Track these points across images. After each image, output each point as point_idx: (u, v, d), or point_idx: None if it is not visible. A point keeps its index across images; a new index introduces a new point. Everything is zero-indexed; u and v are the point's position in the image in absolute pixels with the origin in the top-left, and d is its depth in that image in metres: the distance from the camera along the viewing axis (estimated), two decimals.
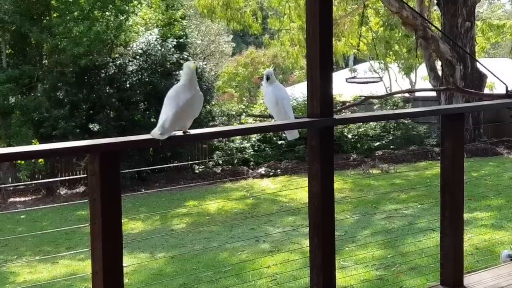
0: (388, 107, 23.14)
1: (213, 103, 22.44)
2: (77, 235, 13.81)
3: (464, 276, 4.91)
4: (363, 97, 16.50)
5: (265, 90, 4.51)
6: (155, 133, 3.51)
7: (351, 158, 20.83)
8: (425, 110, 5.90)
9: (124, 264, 10.26)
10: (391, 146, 21.64)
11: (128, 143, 3.42)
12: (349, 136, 22.04)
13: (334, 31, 26.09)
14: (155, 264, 10.59)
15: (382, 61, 29.93)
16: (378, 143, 21.73)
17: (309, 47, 3.99)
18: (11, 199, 19.61)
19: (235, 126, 3.91)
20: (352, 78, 15.25)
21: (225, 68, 36.59)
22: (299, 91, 23.67)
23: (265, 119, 18.32)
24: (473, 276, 5.19)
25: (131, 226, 14.20)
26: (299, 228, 11.74)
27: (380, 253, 9.69)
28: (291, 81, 38.33)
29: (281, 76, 39.47)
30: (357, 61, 35.33)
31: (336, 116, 4.00)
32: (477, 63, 20.39)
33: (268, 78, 4.46)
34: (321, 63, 3.92)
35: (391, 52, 29.94)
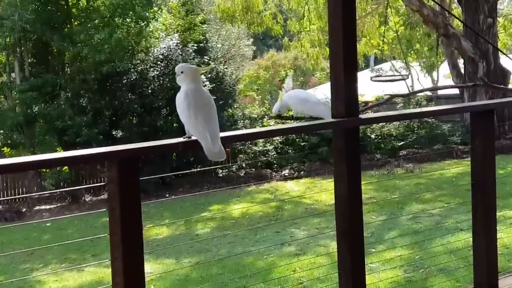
0: (411, 106, 22.92)
1: (235, 106, 22.37)
2: (102, 241, 13.71)
3: (499, 278, 4.75)
4: (387, 96, 16.24)
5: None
6: (211, 152, 3.33)
7: (375, 158, 20.66)
8: (453, 108, 5.72)
9: (149, 270, 10.15)
10: (415, 145, 21.43)
11: (147, 149, 3.29)
12: (372, 136, 21.86)
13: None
14: (180, 270, 10.49)
15: (404, 60, 29.72)
16: (402, 143, 21.55)
17: (332, 47, 3.88)
18: (37, 207, 19.67)
19: (260, 129, 3.77)
20: (377, 76, 14.98)
21: (246, 71, 36.53)
22: (321, 93, 23.54)
23: (287, 121, 18.06)
24: (509, 278, 5.03)
25: (156, 231, 14.15)
26: (324, 230, 11.61)
27: (408, 255, 9.53)
28: (312, 83, 38.21)
29: (302, 78, 39.43)
30: (378, 61, 35.12)
31: (362, 116, 3.88)
32: (501, 58, 20.17)
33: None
34: (345, 63, 3.80)
35: (412, 51, 29.72)
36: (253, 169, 20.14)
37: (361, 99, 23.33)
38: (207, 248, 11.81)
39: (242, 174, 19.91)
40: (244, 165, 20.40)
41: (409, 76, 14.50)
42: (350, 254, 3.84)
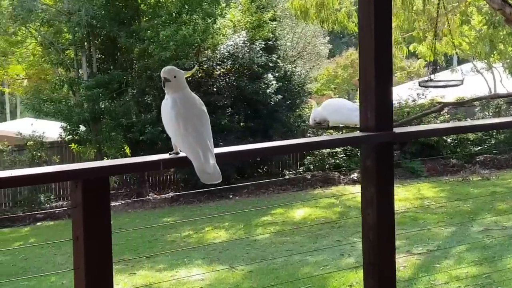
0: (490, 110, 21.84)
1: (303, 107, 21.70)
2: (159, 243, 13.47)
3: None
4: (440, 105, 15.17)
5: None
6: (204, 172, 2.77)
7: (450, 163, 19.76)
8: (509, 121, 4.99)
9: (200, 277, 9.64)
10: (494, 151, 20.37)
11: (118, 167, 2.72)
12: (449, 140, 20.89)
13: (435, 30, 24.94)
14: (232, 278, 10.01)
15: (485, 60, 28.53)
16: (479, 148, 20.52)
17: (362, 42, 3.22)
18: None
19: (268, 144, 3.14)
20: (426, 81, 13.86)
21: (324, 70, 36.03)
22: (394, 94, 22.72)
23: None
24: None
25: (213, 235, 13.74)
26: None
27: (475, 271, 8.83)
28: (393, 83, 37.39)
29: None
30: (460, 61, 34.11)
31: (396, 130, 3.23)
32: None
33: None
34: (377, 64, 3.15)
35: (495, 52, 28.48)
36: (321, 172, 19.48)
37: (440, 100, 22.39)
38: (263, 255, 11.32)
39: (309, 177, 19.28)
40: (312, 167, 19.79)
41: (463, 82, 13.26)
42: None
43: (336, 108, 4.12)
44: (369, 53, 3.17)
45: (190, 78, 19.58)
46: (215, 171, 2.75)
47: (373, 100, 3.16)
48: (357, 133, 3.27)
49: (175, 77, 2.98)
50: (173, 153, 2.87)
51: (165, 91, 3.00)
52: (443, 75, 25.01)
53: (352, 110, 4.06)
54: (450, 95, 23.72)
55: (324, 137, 3.38)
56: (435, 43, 15.43)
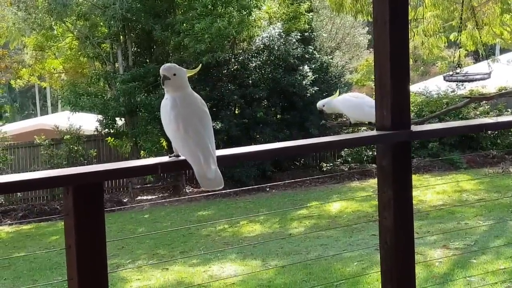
0: None
1: None
2: (193, 237, 13.41)
3: None
4: (466, 100, 14.65)
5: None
6: (204, 178, 2.64)
7: (490, 155, 19.34)
8: None
9: (233, 273, 9.53)
10: None
11: (112, 172, 2.56)
12: (489, 132, 20.45)
13: (475, 19, 24.43)
14: (265, 274, 9.87)
15: None
16: None
17: (377, 36, 3.04)
18: (139, 198, 19.61)
19: (276, 144, 2.93)
20: (451, 75, 13.32)
21: (364, 60, 35.71)
22: (433, 84, 22.39)
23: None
24: None
25: (248, 229, 13.63)
26: (424, 236, 10.73)
27: None
28: (432, 73, 36.94)
29: (422, 68, 38.17)
30: (503, 51, 33.59)
31: (413, 129, 3.04)
32: None
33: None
34: (393, 59, 2.96)
35: None
36: (358, 164, 19.25)
37: (481, 91, 21.92)
38: (297, 250, 11.17)
39: (346, 169, 19.08)
40: (349, 159, 19.57)
41: (490, 75, 12.67)
42: None
43: (356, 105, 3.92)
44: (385, 49, 2.99)
45: (226, 71, 19.53)
46: (216, 177, 2.59)
47: (389, 97, 2.98)
48: (373, 132, 3.10)
49: (174, 75, 2.84)
50: (174, 156, 2.73)
51: (164, 90, 2.87)
52: (480, 66, 24.50)
53: (373, 108, 3.87)
54: (492, 86, 23.20)
55: (337, 137, 3.17)
56: (459, 35, 14.80)
